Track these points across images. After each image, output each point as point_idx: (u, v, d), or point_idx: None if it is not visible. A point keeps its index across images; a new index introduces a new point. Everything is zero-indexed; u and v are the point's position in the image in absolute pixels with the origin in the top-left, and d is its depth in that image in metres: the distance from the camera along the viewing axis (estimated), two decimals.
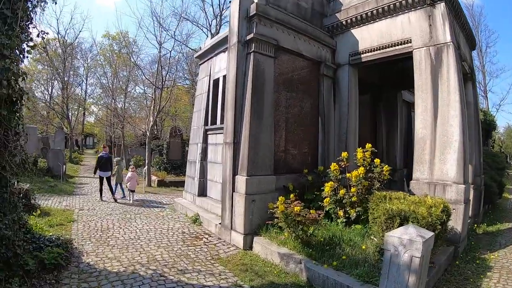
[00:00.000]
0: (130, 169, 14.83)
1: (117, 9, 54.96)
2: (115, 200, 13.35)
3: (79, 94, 40.55)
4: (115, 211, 11.49)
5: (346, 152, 9.10)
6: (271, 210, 7.65)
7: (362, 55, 10.25)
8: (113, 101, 26.40)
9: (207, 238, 8.93)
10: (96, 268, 6.49)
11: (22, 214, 7.14)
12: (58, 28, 34.67)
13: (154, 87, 18.67)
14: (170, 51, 18.76)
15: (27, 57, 5.96)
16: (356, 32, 10.40)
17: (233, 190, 8.74)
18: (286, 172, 9.66)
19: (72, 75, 36.17)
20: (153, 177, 18.76)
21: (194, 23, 24.17)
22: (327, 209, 8.49)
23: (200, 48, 13.30)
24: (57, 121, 33.61)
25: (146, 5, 51.00)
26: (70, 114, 35.14)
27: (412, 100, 15.22)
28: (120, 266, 6.67)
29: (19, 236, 6.17)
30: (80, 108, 42.88)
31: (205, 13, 30.61)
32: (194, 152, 12.61)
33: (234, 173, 8.81)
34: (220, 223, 9.22)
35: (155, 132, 33.24)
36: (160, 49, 18.09)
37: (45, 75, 36.98)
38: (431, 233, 5.05)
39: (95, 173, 13.93)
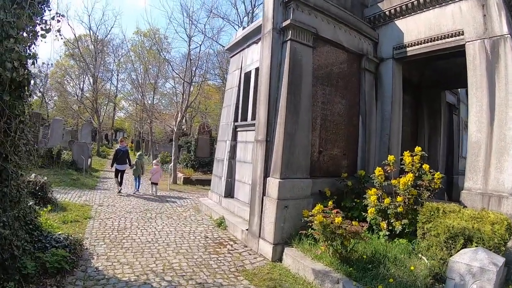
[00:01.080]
0: (154, 163, 15.03)
1: (147, 6, 55.10)
2: (119, 192, 13.48)
3: (110, 89, 40.70)
4: (136, 209, 10.80)
5: (392, 156, 7.99)
6: (306, 219, 6.68)
7: (408, 49, 9.18)
8: (142, 96, 25.96)
9: (231, 246, 8.05)
10: (105, 275, 5.70)
11: (30, 210, 6.49)
12: (89, 24, 34.95)
13: (183, 82, 17.98)
14: (200, 45, 17.83)
15: (41, 40, 5.50)
16: (401, 23, 9.38)
17: (264, 194, 7.83)
18: (322, 175, 8.70)
19: (103, 70, 36.35)
20: (179, 174, 18.10)
21: (225, 19, 23.22)
22: (369, 220, 7.49)
23: (231, 40, 12.45)
24: (87, 116, 33.68)
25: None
26: (100, 108, 35.26)
27: (454, 102, 14.20)
28: (132, 274, 5.84)
29: (20, 235, 5.45)
30: (110, 103, 43.14)
31: (237, 9, 30.01)
32: (222, 150, 11.78)
33: (266, 174, 7.90)
34: (247, 229, 8.34)
35: (184, 129, 32.90)
36: (189, 43, 17.36)
37: (77, 71, 37.50)
38: (502, 259, 4.04)
39: (112, 166, 14.07)
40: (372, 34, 9.84)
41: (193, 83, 18.20)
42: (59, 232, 6.68)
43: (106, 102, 39.84)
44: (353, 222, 6.38)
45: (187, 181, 17.64)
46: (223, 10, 36.28)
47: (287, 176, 7.62)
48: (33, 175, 9.56)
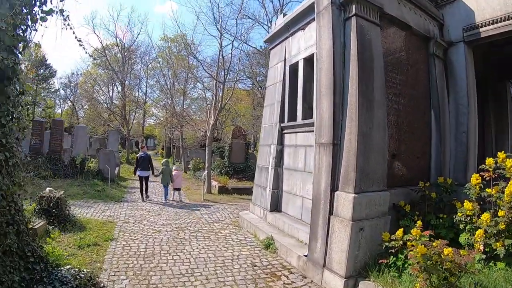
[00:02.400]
0: (174, 168, 14.63)
1: (173, 5, 54.53)
2: (146, 199, 13.28)
3: (138, 96, 40.23)
4: (166, 226, 9.19)
5: (491, 159, 6.06)
6: (387, 244, 5.42)
7: (481, 29, 7.59)
8: (172, 101, 24.73)
9: (287, 276, 6.31)
10: None
11: (31, 237, 4.97)
12: (116, 32, 34.34)
13: (215, 82, 16.40)
14: (232, 41, 16.03)
15: (41, 25, 4.64)
16: (469, 0, 7.83)
17: (331, 213, 6.08)
18: (395, 184, 6.87)
19: (131, 77, 35.94)
20: (214, 183, 16.47)
21: (253, 19, 21.52)
22: (462, 242, 5.82)
23: (271, 30, 10.79)
24: (116, 123, 33.05)
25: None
26: (129, 115, 34.69)
27: None
28: None
29: (10, 278, 3.91)
30: (140, 110, 42.79)
31: (265, 9, 28.31)
32: (265, 156, 10.05)
33: (333, 187, 6.13)
34: (306, 255, 6.58)
35: (215, 134, 31.67)
36: (221, 39, 15.75)
37: (105, 79, 37.64)
38: None
39: (134, 173, 13.84)
40: (437, 14, 8.31)
41: (226, 83, 16.52)
42: (68, 266, 5.08)
43: (135, 108, 39.31)
44: (461, 251, 4.78)
45: (223, 190, 15.98)
46: (251, 10, 34.79)
47: (363, 189, 5.89)
48: (47, 189, 8.20)
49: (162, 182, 13.72)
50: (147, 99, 43.29)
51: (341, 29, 6.53)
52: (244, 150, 22.29)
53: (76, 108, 52.33)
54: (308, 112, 8.60)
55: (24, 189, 4.72)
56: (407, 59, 7.73)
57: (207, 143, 16.23)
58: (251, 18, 22.02)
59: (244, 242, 8.17)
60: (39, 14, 4.55)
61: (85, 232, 7.72)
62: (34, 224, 6.84)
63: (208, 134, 15.98)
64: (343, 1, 6.46)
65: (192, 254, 7.00)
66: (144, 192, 13.36)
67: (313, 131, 7.76)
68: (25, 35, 4.44)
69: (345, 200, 5.82)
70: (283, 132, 9.30)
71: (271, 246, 7.72)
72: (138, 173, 13.30)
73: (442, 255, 4.46)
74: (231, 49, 15.97)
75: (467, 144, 7.94)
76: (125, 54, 32.91)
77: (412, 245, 4.82)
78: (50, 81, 57.01)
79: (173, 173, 13.95)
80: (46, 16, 4.59)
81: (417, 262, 4.56)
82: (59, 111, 57.70)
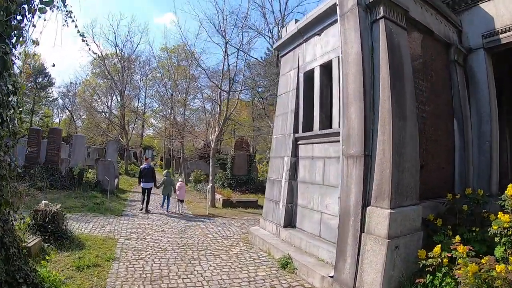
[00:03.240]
0: (179, 180, 14.56)
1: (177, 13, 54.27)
2: (145, 211, 13.02)
3: (138, 106, 39.74)
4: (172, 243, 8.49)
5: None
6: (424, 262, 5.01)
7: (501, 36, 7.32)
8: (172, 112, 24.18)
9: None
10: None
11: (22, 261, 4.32)
12: (115, 41, 34.00)
13: (219, 91, 15.83)
14: (238, 49, 15.46)
15: (40, 17, 4.23)
16: (488, 6, 7.58)
17: (362, 230, 5.49)
18: (422, 197, 6.29)
19: (130, 87, 35.50)
20: (217, 196, 15.76)
21: (254, 29, 21.03)
22: (497, 255, 5.20)
23: (283, 36, 10.25)
24: (115, 134, 32.49)
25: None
26: (128, 126, 34.27)
27: None
28: None
29: None
30: (139, 120, 42.29)
31: (266, 19, 27.96)
32: (277, 168, 9.41)
33: (365, 203, 5.56)
34: (331, 276, 5.93)
35: (218, 145, 31.23)
36: (226, 45, 15.20)
37: (104, 89, 37.24)
38: None
39: (139, 184, 13.78)
40: (455, 20, 8.13)
41: (231, 92, 15.95)
42: None
43: (134, 119, 38.81)
44: (509, 267, 4.32)
45: (227, 203, 15.26)
46: (251, 20, 34.49)
47: (397, 204, 5.39)
48: (42, 202, 7.53)
49: (163, 193, 13.64)
50: (146, 110, 42.82)
51: (369, 32, 6.15)
52: (247, 162, 21.78)
53: (74, 117, 51.71)
54: (325, 121, 8.06)
55: (14, 208, 4.05)
56: (431, 66, 7.40)
57: (211, 154, 15.60)
58: (252, 29, 21.51)
59: (258, 261, 7.49)
60: (37, 5, 4.11)
61: (84, 251, 7.02)
62: (27, 242, 6.18)
63: (212, 146, 15.35)
64: (369, 2, 6.09)
65: (204, 276, 6.31)
66: (146, 203, 13.24)
67: (332, 141, 7.35)
68: (21, 25, 3.87)
69: (379, 217, 5.28)
70: (298, 143, 8.70)
71: (288, 265, 7.05)
72: (142, 184, 13.31)
73: (494, 272, 4.12)
74: (236, 58, 15.43)
75: (490, 153, 7.63)
76: (125, 63, 32.57)
77: (458, 263, 4.60)
78: (48, 90, 56.59)
79: (178, 184, 13.87)
80: (46, 8, 4.16)
81: (465, 282, 4.05)
82: (57, 120, 56.98)
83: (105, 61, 32.12)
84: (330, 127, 7.85)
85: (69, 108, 52.18)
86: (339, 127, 7.04)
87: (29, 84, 53.10)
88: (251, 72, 21.43)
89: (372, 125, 5.72)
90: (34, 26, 4.39)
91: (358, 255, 5.47)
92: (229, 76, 15.13)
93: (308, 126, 8.51)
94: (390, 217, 5.13)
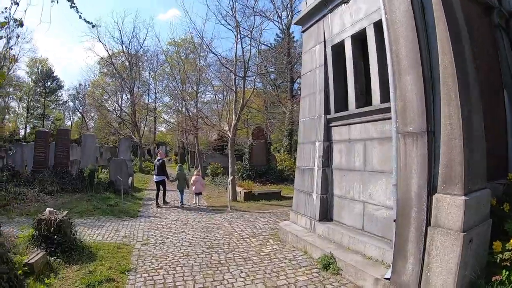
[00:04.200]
0: (195, 173, 14.26)
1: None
2: (164, 202, 13.25)
3: (148, 102, 39.09)
4: (195, 245, 7.55)
5: None
6: (501, 255, 4.35)
7: None
8: (184, 103, 23.25)
9: None
10: None
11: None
12: (121, 38, 33.17)
13: (234, 77, 14.75)
14: (251, 31, 14.24)
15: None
16: None
17: (428, 223, 4.43)
18: None
19: (139, 84, 34.76)
20: (238, 189, 14.76)
21: (263, 15, 19.74)
22: None
23: (303, 9, 9.14)
24: (127, 132, 31.88)
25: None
26: (140, 122, 33.70)
27: None
28: None
29: None
30: (150, 117, 41.69)
31: (274, 4, 26.74)
32: (307, 155, 8.36)
33: (430, 190, 4.51)
34: (387, 278, 4.95)
35: (229, 135, 30.40)
36: (238, 28, 14.01)
37: (113, 87, 37.19)
38: None
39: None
40: None
41: (247, 78, 14.84)
42: None
43: (146, 115, 38.15)
44: None
45: (249, 196, 14.26)
46: (259, 6, 33.30)
47: (470, 189, 4.36)
48: (47, 210, 6.61)
49: (178, 188, 13.62)
50: (157, 105, 42.19)
51: None
52: (265, 152, 20.80)
53: (86, 119, 51.39)
54: (361, 99, 6.99)
55: None
56: (478, 30, 6.28)
57: (229, 145, 14.59)
58: (261, 15, 20.28)
59: (295, 263, 6.49)
60: None
61: (95, 263, 6.10)
62: (29, 258, 5.30)
63: (230, 135, 14.30)
64: None
65: (236, 287, 5.34)
66: (160, 197, 13.32)
67: (374, 120, 6.33)
68: None
69: (450, 205, 4.28)
70: (330, 125, 7.63)
71: (331, 266, 6.05)
72: (155, 178, 13.46)
73: None
74: (250, 42, 14.27)
75: None
76: (132, 60, 31.87)
77: None
78: (58, 93, 56.49)
79: (193, 178, 13.62)
80: None
81: None
82: (69, 123, 56.86)
83: (112, 60, 31.54)
84: (368, 104, 6.82)
85: (79, 110, 51.96)
86: (382, 102, 6.13)
87: (38, 89, 53.07)
88: (262, 59, 20.20)
89: (433, 96, 4.65)
90: (17, 3, 4.00)
91: (424, 253, 4.47)
92: (243, 60, 13.99)
93: (341, 106, 7.47)
94: (465, 205, 4.13)
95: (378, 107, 6.16)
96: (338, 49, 7.64)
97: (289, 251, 7.22)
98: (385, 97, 6.32)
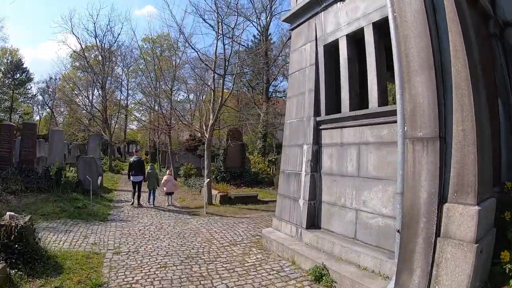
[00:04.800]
0: (167, 173, 14.50)
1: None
2: (138, 205, 12.77)
3: (120, 99, 37.81)
4: (172, 257, 6.88)
5: None
6: (510, 265, 4.10)
7: None
8: (158, 100, 22.48)
9: None
10: None
11: None
12: (95, 32, 31.68)
13: (213, 75, 14.14)
14: (233, 28, 13.60)
15: None
16: None
17: (438, 234, 4.13)
18: None
19: (112, 80, 33.68)
20: (213, 191, 14.13)
21: (242, 15, 19.17)
22: None
23: (293, 6, 8.72)
24: (98, 129, 30.66)
25: None
26: (110, 119, 32.70)
27: None
28: None
29: None
30: (122, 115, 40.43)
31: (253, 4, 26.32)
32: (294, 159, 7.92)
33: (441, 198, 4.19)
34: None
35: (199, 135, 29.85)
36: (220, 24, 13.28)
37: (85, 82, 35.31)
38: None
39: (129, 178, 13.44)
40: None
41: (227, 75, 14.29)
42: None
43: (117, 113, 36.96)
44: None
45: (225, 199, 13.71)
46: (241, 4, 32.73)
47: (481, 198, 4.13)
48: (7, 214, 5.87)
49: (149, 187, 13.36)
50: (128, 102, 40.94)
51: None
52: (241, 154, 20.31)
53: (55, 114, 49.28)
54: (355, 101, 6.62)
55: None
56: (476, 36, 5.99)
57: (205, 146, 13.91)
58: (241, 15, 19.73)
59: (283, 274, 6.02)
60: None
61: (62, 276, 5.38)
62: None
63: (207, 136, 13.67)
64: None
65: None
66: (137, 197, 13.00)
67: (370, 124, 6.03)
68: None
69: (463, 215, 4.00)
70: (320, 128, 7.24)
71: (324, 278, 5.63)
72: (132, 178, 13.05)
73: None
74: (232, 38, 13.67)
75: None
76: (106, 54, 30.85)
77: None
78: (27, 86, 53.98)
79: (165, 177, 13.56)
80: None
81: None
82: (38, 117, 54.43)
83: (85, 53, 30.31)
84: (361, 107, 6.50)
85: (49, 104, 49.83)
86: (379, 106, 5.83)
87: (6, 81, 50.57)
88: (241, 58, 19.59)
89: (444, 100, 4.32)
90: None
91: (432, 265, 4.14)
92: (224, 58, 13.33)
93: (333, 108, 7.12)
94: (479, 215, 3.87)
95: (375, 110, 5.83)
96: (331, 48, 7.33)
97: (275, 261, 6.74)
98: (383, 100, 6.00)
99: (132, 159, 13.76)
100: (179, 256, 6.86)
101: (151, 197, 13.19)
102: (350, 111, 6.46)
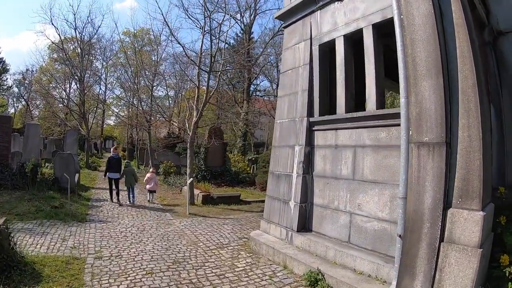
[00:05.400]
0: (150, 170, 14.53)
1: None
2: (119, 204, 12.41)
3: (98, 93, 36.73)
4: (157, 261, 6.52)
5: None
6: (509, 269, 4.09)
7: None
8: (137, 96, 21.95)
9: None
10: None
11: None
12: (75, 23, 30.50)
13: (198, 71, 13.73)
14: (220, 23, 13.24)
15: None
16: None
17: (441, 239, 4.08)
18: None
19: (90, 73, 32.60)
20: (195, 191, 13.73)
21: (226, 12, 18.74)
22: None
23: (286, 4, 8.48)
24: (74, 123, 29.72)
25: None
26: (88, 114, 31.64)
27: None
28: None
29: None
30: (99, 109, 39.41)
31: (238, 2, 25.93)
32: (284, 160, 7.70)
33: (446, 204, 4.13)
34: None
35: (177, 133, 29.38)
36: (209, 16, 12.85)
37: (62, 75, 34.44)
38: None
39: (105, 175, 13.12)
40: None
41: (213, 72, 13.93)
42: None
43: (95, 108, 36.01)
44: None
45: (207, 199, 13.32)
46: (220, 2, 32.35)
47: (484, 204, 4.12)
48: None
49: (126, 184, 12.90)
50: (106, 97, 39.88)
51: None
52: (222, 152, 20.07)
53: (31, 107, 47.60)
54: (351, 102, 6.46)
55: None
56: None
57: (188, 144, 13.46)
58: (225, 12, 19.34)
59: (277, 280, 5.80)
60: None
61: (41, 285, 4.92)
62: None
63: (190, 134, 13.25)
64: None
65: None
66: (115, 195, 12.78)
67: (367, 127, 5.88)
68: None
69: (467, 221, 3.97)
70: (313, 128, 7.06)
71: (319, 283, 5.44)
72: (109, 175, 12.74)
73: None
74: (218, 35, 13.32)
75: None
76: (85, 47, 29.86)
77: None
78: (2, 77, 51.96)
79: (148, 175, 13.62)
80: None
81: None
82: (13, 110, 52.48)
83: (64, 45, 29.16)
84: (357, 109, 6.34)
85: (24, 97, 48.13)
86: (378, 108, 5.70)
87: None
88: (223, 56, 19.25)
89: (450, 105, 4.20)
90: None
91: (435, 270, 4.08)
92: (211, 54, 12.91)
93: (327, 108, 6.97)
94: (484, 221, 3.84)
95: (373, 113, 5.69)
96: (327, 48, 7.18)
97: (266, 266, 6.52)
98: (381, 103, 5.85)
99: (110, 155, 13.48)
100: (165, 261, 6.52)
101: (131, 195, 12.81)
102: (345, 112, 6.30)
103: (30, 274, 5.29)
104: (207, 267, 6.32)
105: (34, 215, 9.04)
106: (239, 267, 6.41)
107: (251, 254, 7.23)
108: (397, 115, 5.06)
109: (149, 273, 5.89)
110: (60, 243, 7.19)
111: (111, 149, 14.65)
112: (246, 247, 7.72)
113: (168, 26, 14.51)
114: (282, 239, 7.27)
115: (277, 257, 6.73)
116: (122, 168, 13.24)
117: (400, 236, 4.53)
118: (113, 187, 12.75)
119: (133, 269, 6.05)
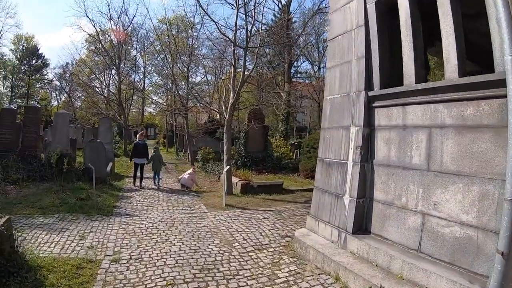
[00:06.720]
0: (191, 169, 14.30)
1: None
2: (140, 187, 12.85)
3: (138, 81, 36.78)
4: (183, 267, 5.48)
5: None
6: None
7: None
8: (174, 82, 21.24)
9: None
10: None
11: None
12: (110, 14, 30.33)
13: (233, 48, 12.56)
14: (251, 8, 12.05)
15: None
16: None
17: None
18: None
19: (126, 62, 33.18)
20: (234, 179, 12.69)
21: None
22: None
23: None
24: (113, 113, 29.77)
25: None
26: (126, 102, 32.14)
27: None
28: None
29: None
30: (139, 97, 39.57)
31: None
32: (337, 145, 6.38)
33: None
34: None
35: (219, 118, 28.59)
36: None
37: (101, 66, 34.95)
38: None
39: (130, 160, 13.91)
40: None
41: (250, 48, 12.73)
42: None
43: (132, 95, 36.07)
44: None
45: (246, 188, 12.23)
46: None
47: None
48: None
49: (153, 169, 13.59)
50: (145, 86, 39.97)
51: None
52: (263, 137, 18.92)
53: (73, 99, 48.66)
54: (421, 71, 5.04)
55: None
56: None
57: (225, 128, 12.39)
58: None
59: None
60: None
61: None
62: None
63: (227, 117, 12.15)
64: None
65: None
66: (139, 180, 13.25)
67: (448, 100, 4.37)
68: None
69: None
70: (373, 105, 5.66)
71: None
72: (135, 160, 13.29)
73: None
74: (254, 6, 12.03)
75: None
76: (121, 37, 29.93)
77: None
78: (43, 72, 53.66)
79: (189, 171, 13.87)
80: None
81: None
82: (56, 103, 54.06)
83: (100, 37, 29.57)
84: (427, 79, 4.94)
85: (66, 89, 49.19)
86: (460, 76, 4.23)
87: (22, 67, 50.24)
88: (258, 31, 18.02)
89: None
90: None
91: None
92: (246, 28, 11.71)
93: (391, 79, 5.51)
94: None
95: (456, 81, 4.21)
96: (386, 6, 5.67)
97: (314, 277, 5.29)
98: (463, 70, 4.38)
99: (136, 141, 14.03)
100: (191, 268, 5.45)
101: (156, 178, 13.46)
102: (416, 83, 4.89)
103: (32, 282, 4.40)
104: (241, 277, 5.18)
105: (57, 208, 8.36)
106: (280, 278, 5.22)
107: (295, 260, 6.02)
108: (492, 84, 3.69)
109: (170, 284, 4.84)
110: (77, 242, 6.33)
111: (137, 135, 15.26)
112: (289, 250, 6.53)
113: (199, 3, 12.97)
114: (334, 242, 6.01)
115: (327, 266, 5.49)
116: (150, 153, 13.63)
117: (502, 254, 3.19)
118: (138, 173, 13.21)
119: (152, 277, 5.03)
